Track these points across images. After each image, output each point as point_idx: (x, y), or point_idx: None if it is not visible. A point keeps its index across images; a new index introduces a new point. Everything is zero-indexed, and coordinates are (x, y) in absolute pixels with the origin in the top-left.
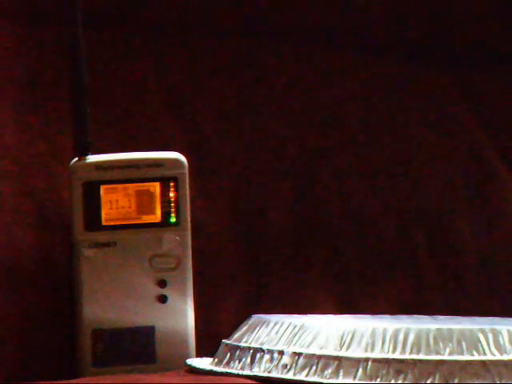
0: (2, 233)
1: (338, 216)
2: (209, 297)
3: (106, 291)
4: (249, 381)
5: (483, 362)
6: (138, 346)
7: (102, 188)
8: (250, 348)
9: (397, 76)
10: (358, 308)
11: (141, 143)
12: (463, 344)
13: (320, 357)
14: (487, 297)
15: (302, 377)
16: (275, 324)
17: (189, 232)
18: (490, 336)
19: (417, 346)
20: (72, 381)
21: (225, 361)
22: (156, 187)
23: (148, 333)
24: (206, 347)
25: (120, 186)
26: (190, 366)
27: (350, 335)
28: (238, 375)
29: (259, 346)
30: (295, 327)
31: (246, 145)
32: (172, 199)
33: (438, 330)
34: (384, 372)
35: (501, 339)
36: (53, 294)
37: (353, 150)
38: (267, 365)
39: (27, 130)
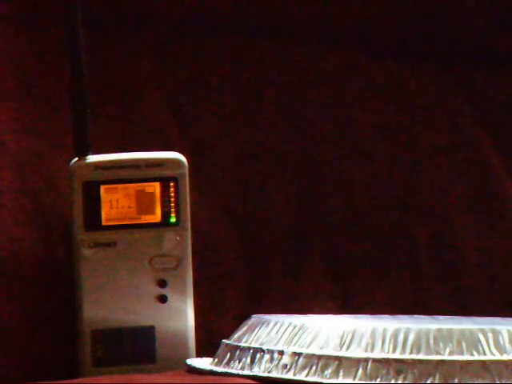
0: (2, 233)
1: (338, 216)
2: (209, 297)
3: (105, 291)
4: (249, 381)
5: (483, 362)
6: (137, 346)
7: (102, 188)
8: (250, 348)
9: (397, 76)
10: (358, 308)
11: (141, 143)
12: (463, 344)
13: (320, 357)
14: (487, 297)
15: (301, 377)
16: (275, 324)
17: (189, 232)
18: (490, 336)
19: (417, 346)
20: (72, 381)
21: (225, 361)
22: (156, 187)
23: (148, 333)
24: (206, 347)
25: (120, 186)
26: (190, 365)
27: (350, 335)
28: (238, 375)
29: (259, 346)
30: (295, 327)
31: (246, 145)
32: (172, 199)
33: (438, 330)
34: (384, 372)
35: (501, 339)
36: (53, 294)
37: (353, 149)
38: (267, 365)
39: (27, 130)
